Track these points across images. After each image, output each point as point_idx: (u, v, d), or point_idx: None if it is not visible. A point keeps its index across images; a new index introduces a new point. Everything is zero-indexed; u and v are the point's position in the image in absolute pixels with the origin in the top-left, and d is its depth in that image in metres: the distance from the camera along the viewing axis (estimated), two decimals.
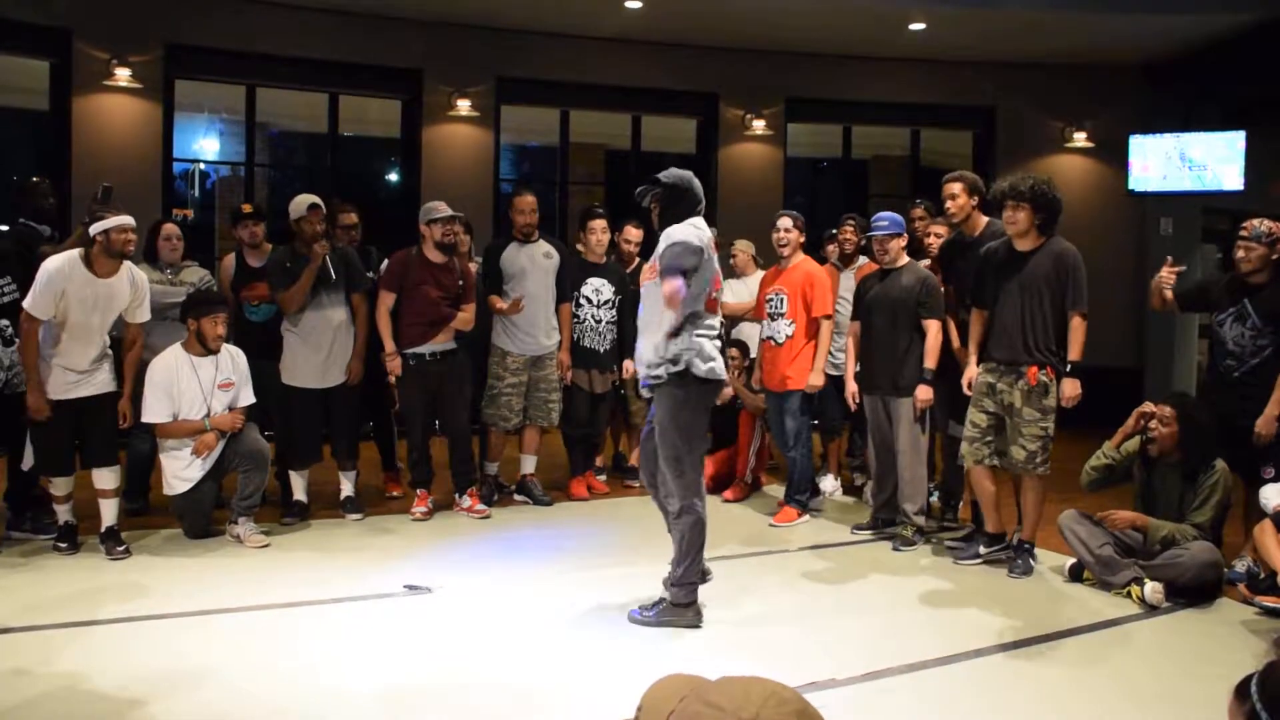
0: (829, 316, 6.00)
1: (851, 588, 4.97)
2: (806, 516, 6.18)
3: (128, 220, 4.98)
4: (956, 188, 5.56)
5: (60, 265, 4.85)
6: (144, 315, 5.22)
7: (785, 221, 6.09)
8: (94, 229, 4.89)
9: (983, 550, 5.27)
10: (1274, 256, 5.04)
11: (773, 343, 6.08)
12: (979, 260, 5.35)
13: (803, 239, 6.17)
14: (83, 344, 5.02)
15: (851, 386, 5.91)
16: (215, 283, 6.14)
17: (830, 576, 5.14)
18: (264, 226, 6.24)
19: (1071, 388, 4.93)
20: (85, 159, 8.17)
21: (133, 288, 5.11)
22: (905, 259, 5.76)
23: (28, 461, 5.29)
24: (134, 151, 8.55)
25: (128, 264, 5.10)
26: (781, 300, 6.05)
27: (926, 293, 5.57)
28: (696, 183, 4.32)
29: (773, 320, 6.10)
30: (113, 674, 3.60)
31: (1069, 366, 4.94)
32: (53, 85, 8.58)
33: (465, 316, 6.02)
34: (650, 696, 1.21)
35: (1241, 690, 1.63)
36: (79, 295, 4.89)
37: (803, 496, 6.20)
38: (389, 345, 5.89)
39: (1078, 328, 4.93)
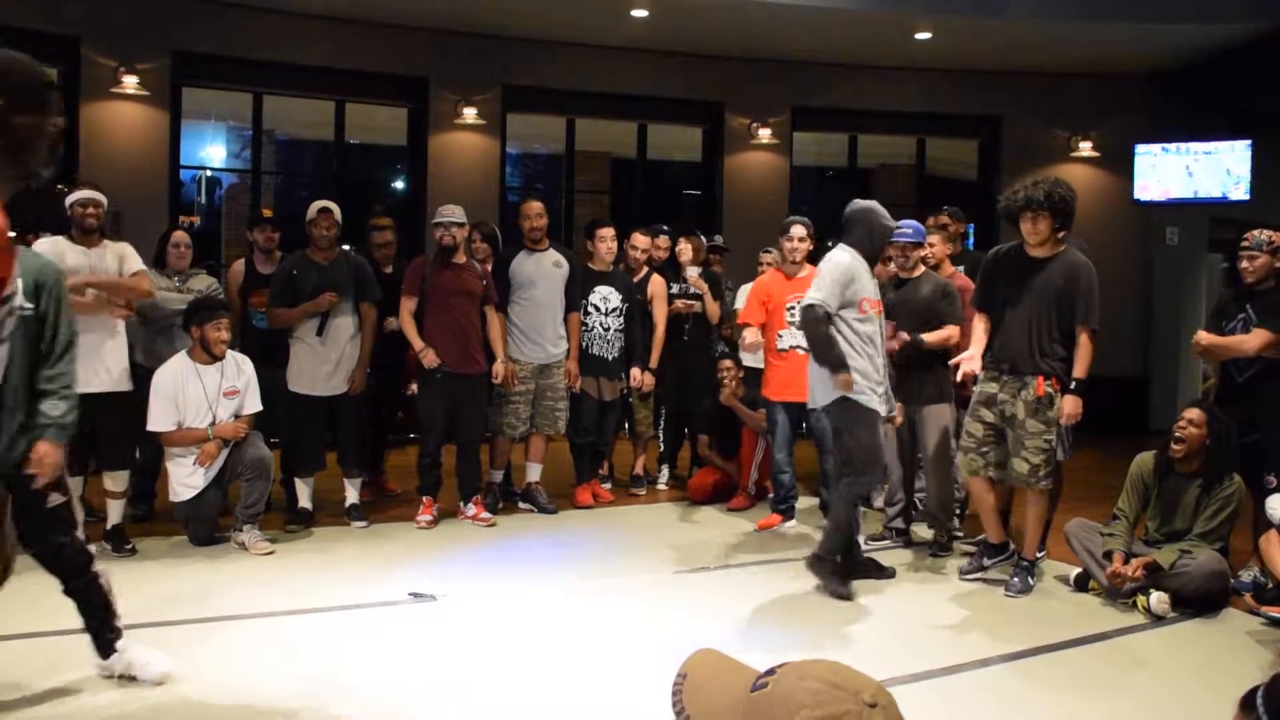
0: None
1: (859, 597, 4.95)
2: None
3: (91, 194, 5.23)
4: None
5: (47, 246, 5.13)
6: (138, 264, 5.37)
7: (799, 230, 6.06)
8: (65, 202, 5.24)
9: (986, 563, 5.21)
10: (1277, 264, 5.12)
11: (801, 351, 5.93)
12: (986, 263, 5.28)
13: (811, 247, 6.16)
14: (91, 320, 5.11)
15: None
16: (222, 290, 6.17)
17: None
18: (279, 234, 6.31)
19: (1072, 405, 4.81)
20: (93, 166, 8.18)
21: (118, 257, 5.29)
22: (923, 268, 5.74)
23: None
24: (141, 159, 8.59)
25: (108, 241, 5.32)
26: None
27: (945, 299, 5.57)
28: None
29: (799, 330, 6.02)
30: (115, 682, 3.60)
31: (1074, 384, 4.84)
32: (61, 92, 8.60)
33: (499, 329, 6.21)
34: (693, 666, 1.21)
35: (1247, 702, 1.62)
36: (74, 264, 5.07)
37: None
38: (418, 343, 5.93)
39: (1086, 344, 4.82)
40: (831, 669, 1.11)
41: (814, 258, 6.22)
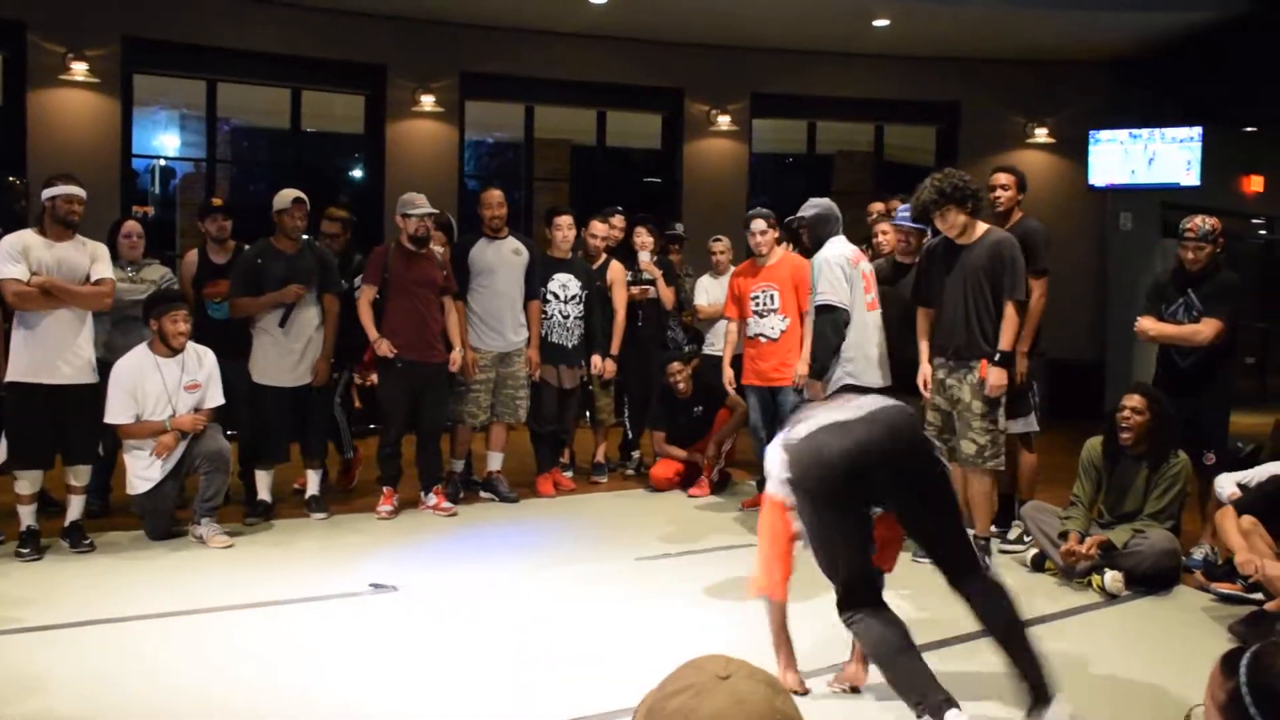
0: None
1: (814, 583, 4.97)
2: None
3: (75, 190, 5.10)
4: (1005, 178, 5.57)
5: (16, 235, 5.06)
6: (107, 271, 5.20)
7: (759, 224, 6.05)
8: (44, 194, 5.10)
9: None
10: (1217, 251, 5.23)
11: (764, 339, 6.01)
12: (921, 259, 5.39)
13: (778, 234, 6.16)
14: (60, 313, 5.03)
15: None
16: (176, 280, 6.09)
17: (799, 573, 5.15)
18: (231, 222, 6.20)
19: (995, 376, 4.88)
20: (41, 155, 8.03)
21: (90, 256, 5.16)
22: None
23: (0, 455, 5.25)
24: (92, 147, 8.42)
25: (83, 238, 5.19)
26: (771, 296, 5.99)
27: None
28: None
29: (761, 317, 6.04)
30: (71, 677, 3.56)
31: (997, 355, 4.90)
32: (6, 79, 8.43)
33: (457, 318, 6.16)
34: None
35: (1230, 663, 1.55)
36: (39, 258, 4.97)
37: None
38: (373, 333, 5.89)
39: (1010, 316, 4.90)
40: (707, 658, 1.17)
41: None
